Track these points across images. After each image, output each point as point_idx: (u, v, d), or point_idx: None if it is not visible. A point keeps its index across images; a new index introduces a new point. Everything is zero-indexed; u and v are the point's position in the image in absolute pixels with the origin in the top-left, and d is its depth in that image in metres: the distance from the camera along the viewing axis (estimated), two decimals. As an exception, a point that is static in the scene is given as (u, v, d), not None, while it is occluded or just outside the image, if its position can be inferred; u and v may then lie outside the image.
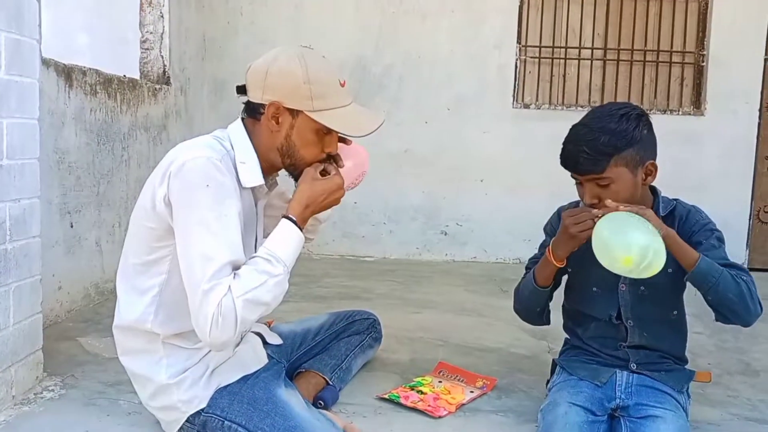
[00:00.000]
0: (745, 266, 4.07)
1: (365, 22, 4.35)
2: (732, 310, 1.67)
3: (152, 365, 1.67)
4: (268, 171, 1.70)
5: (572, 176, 1.76)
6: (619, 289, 1.83)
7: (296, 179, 1.70)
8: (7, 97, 1.88)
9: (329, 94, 1.61)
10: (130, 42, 3.83)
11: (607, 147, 1.67)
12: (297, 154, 1.65)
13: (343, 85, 1.64)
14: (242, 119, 1.68)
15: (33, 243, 2.03)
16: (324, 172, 1.68)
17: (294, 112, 1.61)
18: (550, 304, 1.94)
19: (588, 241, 1.75)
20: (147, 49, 3.78)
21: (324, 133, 1.64)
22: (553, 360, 2.01)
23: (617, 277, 1.80)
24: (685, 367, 1.88)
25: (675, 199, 1.85)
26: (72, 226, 2.85)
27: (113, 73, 3.19)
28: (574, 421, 1.64)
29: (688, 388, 1.85)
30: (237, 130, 1.67)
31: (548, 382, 1.96)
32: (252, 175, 1.63)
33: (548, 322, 1.98)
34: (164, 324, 1.64)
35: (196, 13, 4.19)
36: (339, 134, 1.69)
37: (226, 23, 4.37)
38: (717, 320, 1.73)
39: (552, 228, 1.97)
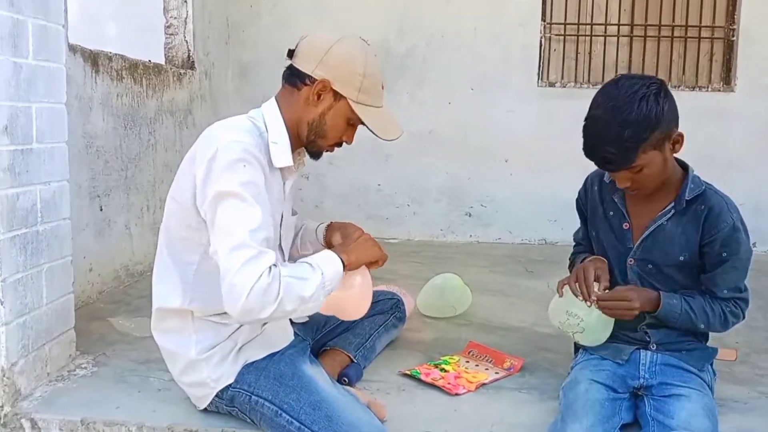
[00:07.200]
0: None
1: (389, 3, 4.31)
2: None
3: (182, 341, 1.71)
4: (294, 145, 1.73)
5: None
6: (628, 262, 1.81)
7: (312, 156, 1.76)
8: (35, 82, 1.92)
9: (373, 93, 1.69)
10: (156, 28, 3.86)
11: (633, 140, 1.57)
12: (324, 133, 1.70)
13: (382, 88, 1.72)
14: (276, 95, 1.72)
15: (63, 225, 2.08)
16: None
17: (338, 96, 1.67)
18: None
19: (605, 209, 1.82)
20: (171, 34, 3.81)
21: (351, 123, 1.71)
22: (575, 343, 2.01)
23: (626, 249, 1.80)
24: (708, 345, 1.85)
25: (707, 184, 1.75)
26: (101, 210, 2.90)
27: (138, 59, 3.23)
28: (595, 398, 1.64)
29: (712, 364, 1.83)
30: (271, 110, 1.71)
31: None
32: (283, 155, 1.68)
33: None
34: (199, 300, 1.67)
35: (220, -3, 4.21)
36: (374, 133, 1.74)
37: (249, 7, 4.37)
38: None
39: (581, 200, 1.95)
